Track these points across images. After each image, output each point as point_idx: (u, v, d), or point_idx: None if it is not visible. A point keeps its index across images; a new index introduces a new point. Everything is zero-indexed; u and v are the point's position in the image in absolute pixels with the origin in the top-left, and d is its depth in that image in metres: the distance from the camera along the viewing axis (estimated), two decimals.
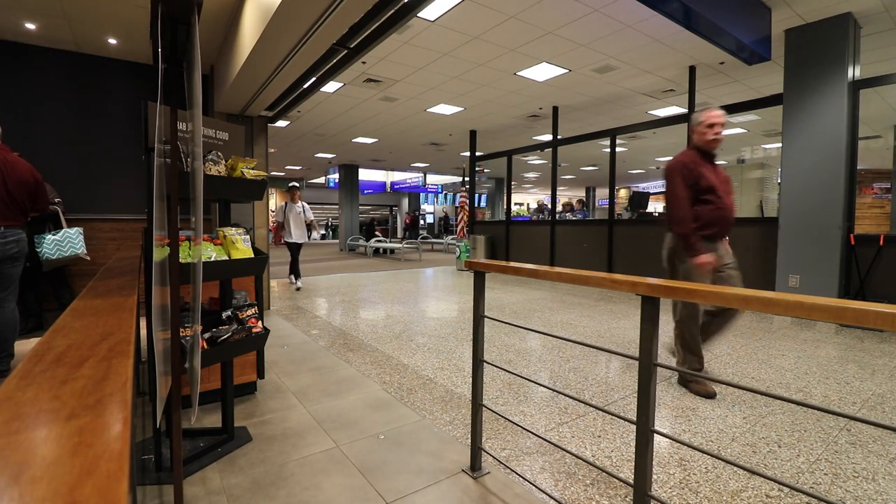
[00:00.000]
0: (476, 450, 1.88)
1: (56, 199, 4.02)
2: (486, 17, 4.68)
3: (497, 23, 4.80)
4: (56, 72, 4.64)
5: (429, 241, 17.89)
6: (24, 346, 3.57)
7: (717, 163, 2.86)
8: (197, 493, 1.74)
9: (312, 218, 7.20)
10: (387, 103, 7.88)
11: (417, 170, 18.53)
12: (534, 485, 1.77)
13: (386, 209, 24.68)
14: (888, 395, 2.72)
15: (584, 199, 11.23)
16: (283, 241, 7.04)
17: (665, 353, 3.20)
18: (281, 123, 9.31)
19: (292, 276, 7.26)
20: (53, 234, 3.87)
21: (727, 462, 1.14)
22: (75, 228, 4.02)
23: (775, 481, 1.03)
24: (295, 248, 7.11)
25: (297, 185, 7.22)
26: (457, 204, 11.86)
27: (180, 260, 1.53)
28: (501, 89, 7.08)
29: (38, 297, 4.15)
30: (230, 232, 2.05)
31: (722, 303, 1.08)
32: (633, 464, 1.30)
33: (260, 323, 2.19)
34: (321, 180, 20.93)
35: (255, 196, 2.15)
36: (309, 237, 7.36)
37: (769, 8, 4.48)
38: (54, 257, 3.83)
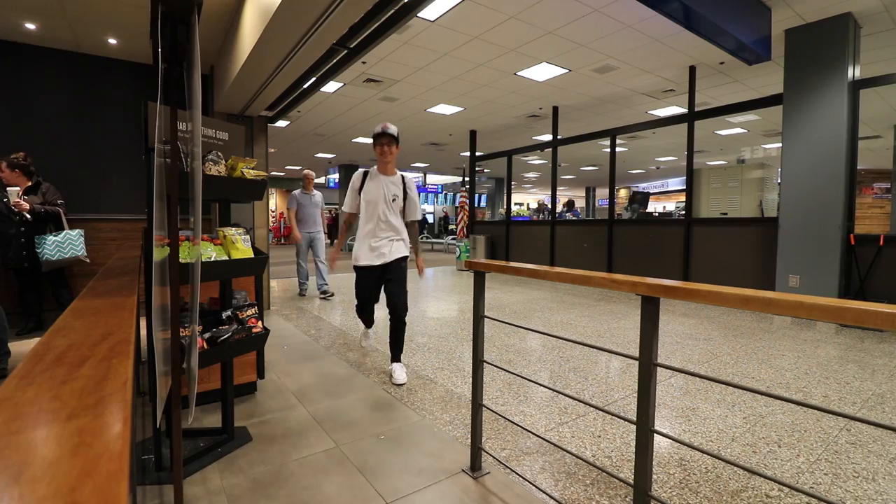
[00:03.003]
0: (476, 450, 1.88)
1: (59, 201, 4.04)
2: (486, 17, 4.68)
3: (497, 23, 4.80)
4: (56, 72, 4.64)
5: (429, 241, 17.89)
6: (24, 346, 3.57)
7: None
8: (197, 493, 1.74)
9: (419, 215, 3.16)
10: (387, 103, 7.88)
11: (417, 170, 18.52)
12: (534, 485, 1.77)
13: None
14: (888, 395, 2.72)
15: (572, 200, 11.31)
16: (355, 265, 3.03)
17: (664, 353, 3.20)
18: (281, 123, 9.31)
19: (397, 372, 2.98)
20: (55, 236, 3.87)
21: (727, 462, 1.14)
22: (76, 230, 4.03)
23: (775, 481, 1.03)
24: (396, 281, 2.98)
25: (391, 129, 2.94)
26: (457, 204, 11.90)
27: (180, 260, 1.53)
28: (501, 89, 7.08)
29: (39, 298, 4.16)
30: (230, 232, 2.05)
31: (721, 303, 1.08)
32: (633, 464, 1.30)
33: (260, 323, 2.19)
34: (321, 180, 20.94)
35: (255, 196, 2.16)
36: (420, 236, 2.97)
37: (769, 8, 4.48)
38: (54, 258, 3.84)
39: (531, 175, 19.39)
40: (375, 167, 3.06)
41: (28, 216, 3.78)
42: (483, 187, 22.25)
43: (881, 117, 8.14)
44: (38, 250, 3.82)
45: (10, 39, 4.41)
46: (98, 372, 0.74)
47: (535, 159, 15.05)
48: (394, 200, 3.00)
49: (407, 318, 3.09)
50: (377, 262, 2.96)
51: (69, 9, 3.86)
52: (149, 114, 1.84)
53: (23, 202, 3.73)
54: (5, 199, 3.72)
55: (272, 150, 12.95)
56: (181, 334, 1.49)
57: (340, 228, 3.25)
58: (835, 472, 1.90)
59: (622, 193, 16.56)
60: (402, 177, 3.09)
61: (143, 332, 1.95)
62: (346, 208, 3.10)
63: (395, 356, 3.13)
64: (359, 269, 3.03)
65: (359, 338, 3.49)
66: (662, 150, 12.70)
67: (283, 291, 6.76)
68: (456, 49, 5.49)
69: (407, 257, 3.07)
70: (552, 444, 1.69)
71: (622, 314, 5.09)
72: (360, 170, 3.08)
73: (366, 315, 3.23)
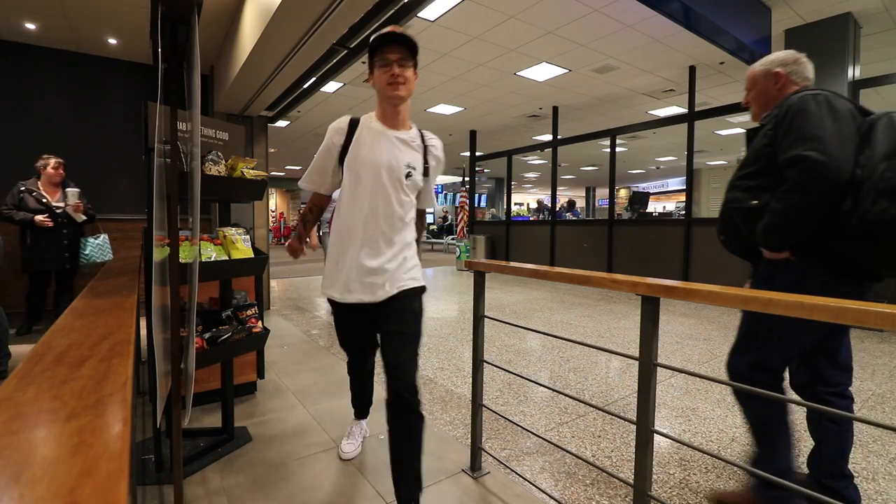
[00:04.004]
0: (476, 450, 1.88)
1: (88, 205, 4.14)
2: (486, 17, 4.68)
3: (497, 23, 4.80)
4: (56, 72, 4.64)
5: (429, 241, 17.90)
6: (24, 347, 3.57)
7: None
8: (197, 493, 1.74)
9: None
10: None
11: None
12: (534, 485, 1.77)
13: None
14: (888, 395, 2.72)
15: (573, 201, 11.34)
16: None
17: (664, 353, 3.20)
18: (281, 123, 9.30)
19: None
20: (94, 238, 4.03)
21: (727, 462, 1.14)
22: (105, 234, 4.17)
23: (775, 481, 1.03)
24: (403, 333, 1.73)
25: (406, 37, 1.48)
26: (457, 204, 11.91)
27: (180, 260, 1.53)
28: (501, 89, 7.08)
29: (44, 299, 4.17)
30: (230, 232, 2.05)
31: (721, 303, 1.08)
32: (633, 464, 1.30)
33: (260, 323, 2.19)
34: None
35: (255, 196, 2.15)
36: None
37: (769, 8, 4.48)
38: (99, 261, 4.00)
39: (531, 175, 19.39)
40: (373, 114, 1.62)
41: (84, 217, 3.95)
42: (483, 187, 22.25)
43: None
44: (83, 251, 3.95)
45: (10, 39, 4.41)
46: (98, 372, 0.74)
47: (535, 159, 15.04)
48: (408, 176, 1.58)
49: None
50: (371, 299, 1.63)
51: (69, 9, 3.86)
52: (149, 114, 1.84)
53: (80, 204, 3.92)
54: (44, 200, 3.80)
55: (272, 150, 12.95)
56: (182, 334, 1.49)
57: (305, 217, 1.81)
58: None
59: (622, 193, 16.57)
60: (422, 134, 1.67)
61: (143, 332, 1.95)
62: (312, 184, 1.68)
63: (405, 496, 1.53)
64: (339, 306, 1.68)
65: (345, 434, 2.09)
66: (662, 150, 12.70)
67: (283, 291, 6.76)
68: (456, 49, 5.49)
69: (424, 288, 1.81)
70: (552, 444, 1.69)
71: (622, 314, 5.09)
72: (345, 117, 1.61)
73: (359, 385, 2.04)
